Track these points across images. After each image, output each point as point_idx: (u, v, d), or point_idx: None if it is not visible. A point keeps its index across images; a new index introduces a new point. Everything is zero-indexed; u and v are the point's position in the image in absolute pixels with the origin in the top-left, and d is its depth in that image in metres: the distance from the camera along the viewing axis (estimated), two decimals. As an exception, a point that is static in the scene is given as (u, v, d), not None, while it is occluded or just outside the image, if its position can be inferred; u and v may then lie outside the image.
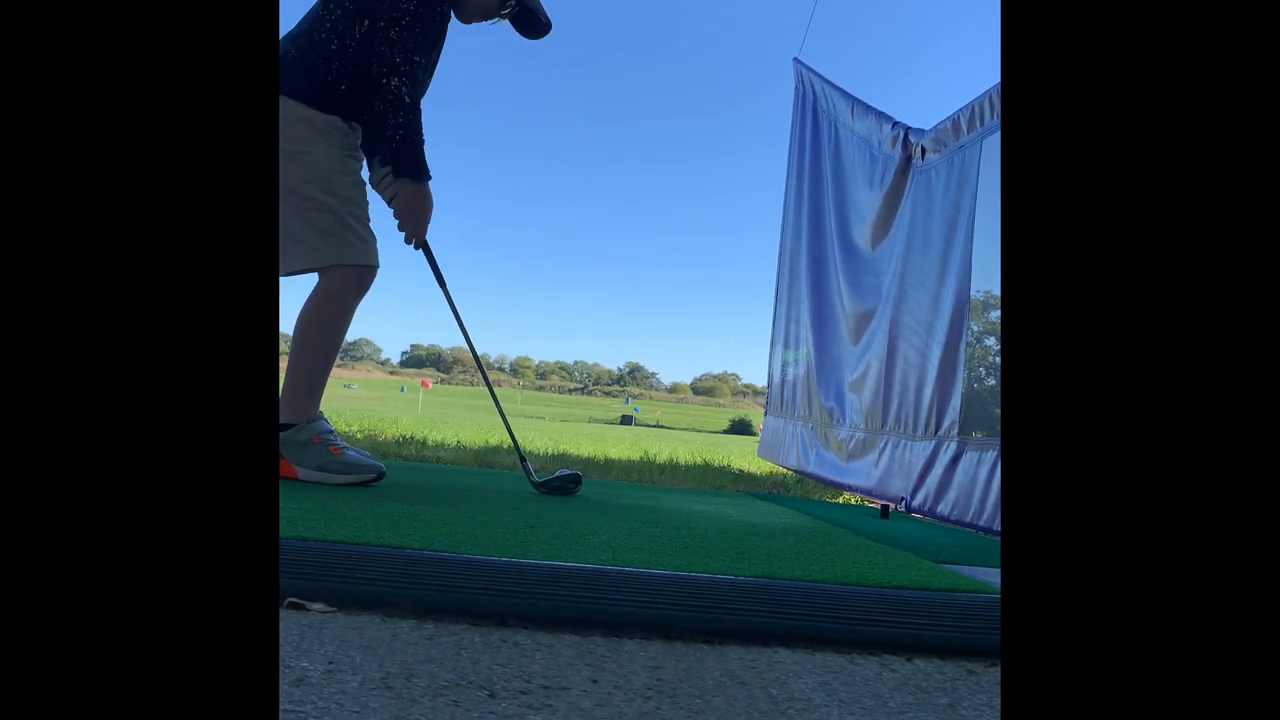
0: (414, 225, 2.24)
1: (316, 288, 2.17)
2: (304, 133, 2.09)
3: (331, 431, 2.18)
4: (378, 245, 2.22)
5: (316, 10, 2.16)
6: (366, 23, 2.09)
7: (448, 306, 2.41)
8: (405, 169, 2.16)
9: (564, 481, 2.39)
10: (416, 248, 2.28)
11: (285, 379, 2.18)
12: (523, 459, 2.51)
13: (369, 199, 2.25)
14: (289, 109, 2.08)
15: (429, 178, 2.21)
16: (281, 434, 2.12)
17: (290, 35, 2.16)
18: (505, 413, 2.59)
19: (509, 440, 5.17)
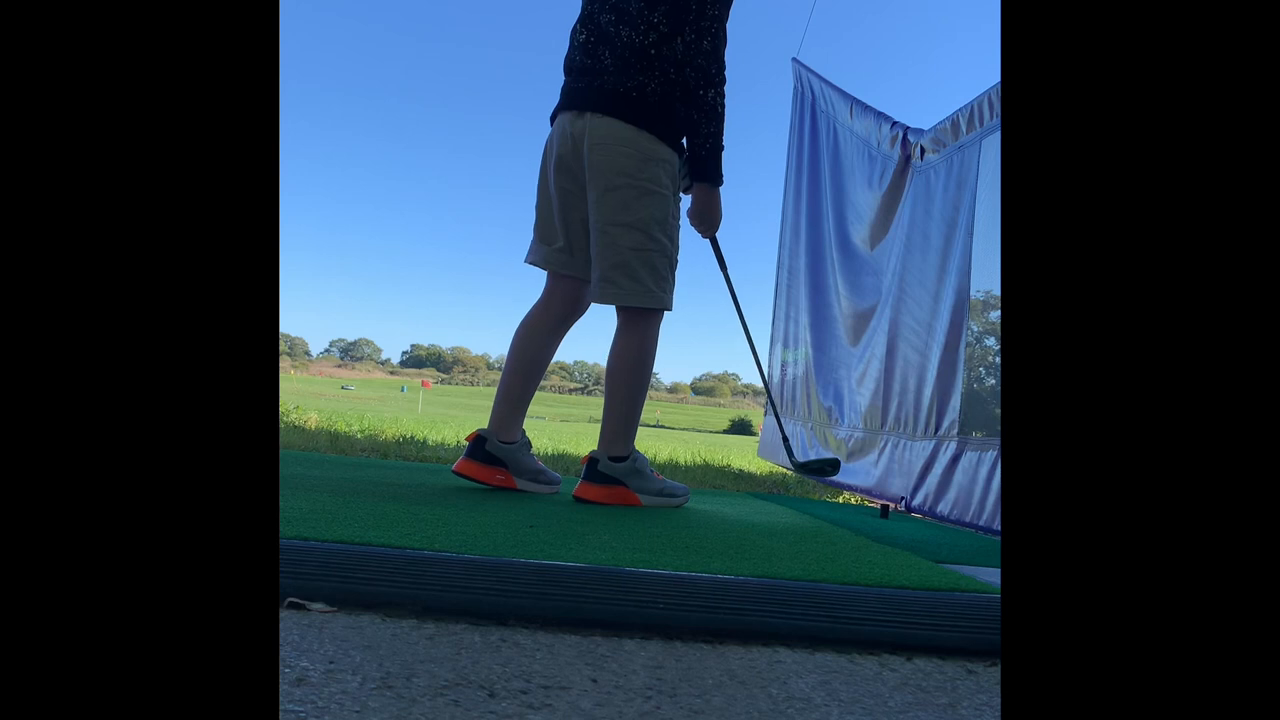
0: (707, 227, 2.36)
1: (632, 329, 2.24)
2: (663, 175, 2.18)
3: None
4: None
5: (643, 46, 2.17)
6: (679, 41, 2.16)
7: (730, 298, 2.66)
8: (707, 175, 2.24)
9: (821, 464, 2.64)
10: (709, 238, 2.43)
11: (609, 416, 2.30)
12: (785, 439, 2.81)
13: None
14: (652, 147, 2.18)
15: (721, 183, 2.30)
16: (619, 465, 2.26)
17: (640, 72, 2.18)
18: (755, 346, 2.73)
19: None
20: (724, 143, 2.22)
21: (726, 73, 2.19)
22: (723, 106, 2.18)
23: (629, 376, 2.26)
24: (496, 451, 2.30)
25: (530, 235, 2.41)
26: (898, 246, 3.31)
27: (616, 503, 2.26)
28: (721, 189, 2.33)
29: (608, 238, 2.18)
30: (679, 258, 2.29)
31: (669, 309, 2.26)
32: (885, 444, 3.23)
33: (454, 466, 2.33)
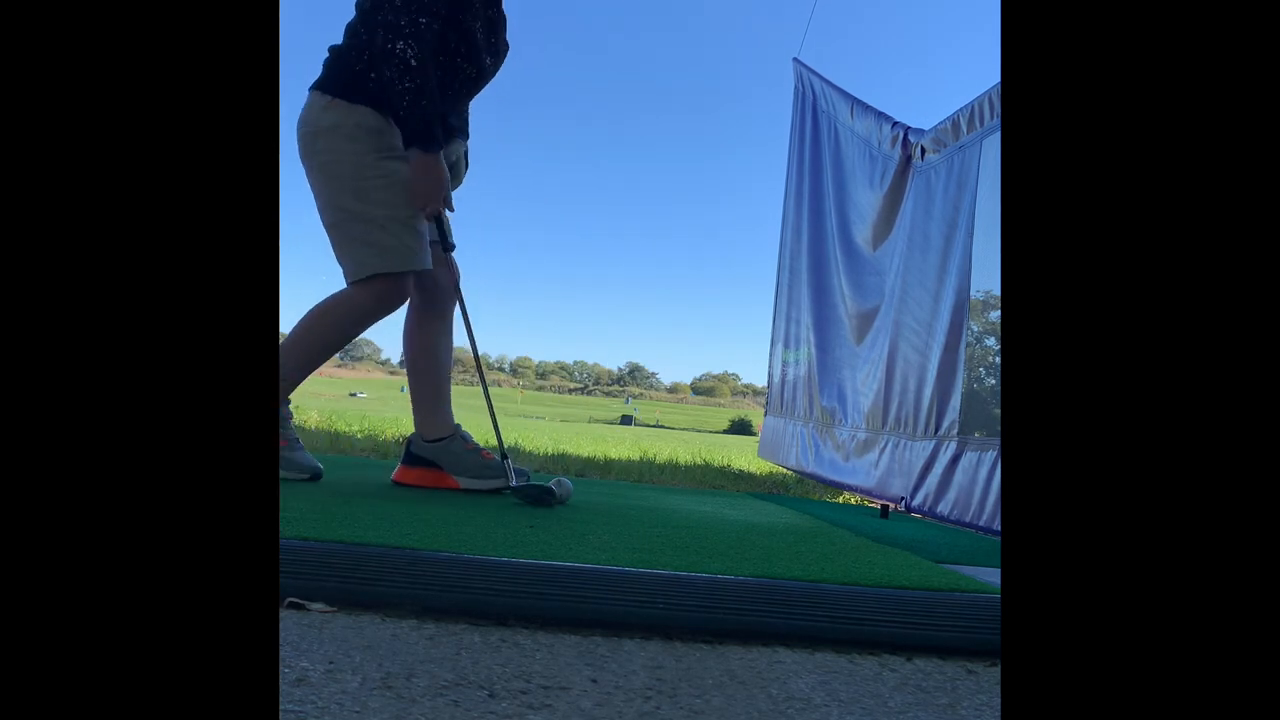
0: (424, 199, 2.10)
1: (373, 297, 2.11)
2: (336, 141, 2.05)
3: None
4: (428, 249, 2.14)
5: (357, 13, 2.13)
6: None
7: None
8: (414, 137, 2.03)
9: (539, 493, 2.11)
10: (429, 220, 2.17)
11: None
12: (504, 457, 2.28)
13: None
14: (321, 115, 2.07)
15: (440, 147, 2.07)
16: (434, 445, 2.23)
17: (347, 38, 2.13)
18: (494, 409, 2.44)
19: (507, 441, 5.15)
20: (430, 100, 2.00)
21: (426, 23, 1.99)
22: (420, 59, 1.96)
23: (315, 337, 2.16)
24: (421, 452, 2.27)
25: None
26: (899, 246, 3.31)
27: (432, 485, 2.23)
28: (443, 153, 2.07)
29: (325, 226, 2.14)
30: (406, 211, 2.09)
31: (396, 269, 2.07)
32: (885, 444, 3.23)
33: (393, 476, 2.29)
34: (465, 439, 2.29)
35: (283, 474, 2.09)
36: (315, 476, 2.16)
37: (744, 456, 6.29)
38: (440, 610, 1.02)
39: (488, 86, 2.29)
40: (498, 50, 2.25)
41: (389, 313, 2.15)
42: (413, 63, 1.96)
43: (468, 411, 2.49)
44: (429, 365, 2.31)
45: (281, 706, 0.68)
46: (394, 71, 1.96)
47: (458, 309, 2.32)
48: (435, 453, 2.26)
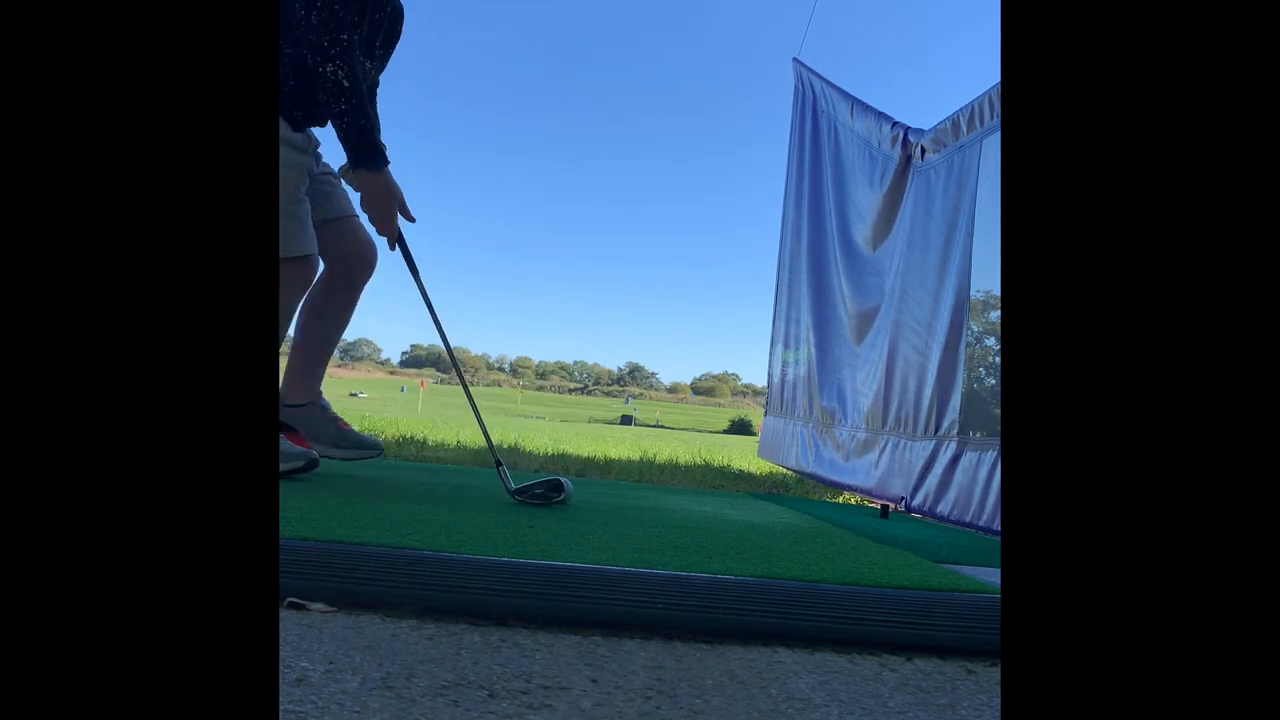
0: (379, 217, 2.11)
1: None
2: None
3: None
4: (310, 232, 2.12)
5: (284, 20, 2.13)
6: (302, 20, 1.98)
7: (421, 300, 2.30)
8: (358, 158, 2.02)
9: (545, 490, 2.10)
10: (391, 244, 2.17)
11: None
12: (498, 463, 2.22)
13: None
14: None
15: (386, 163, 2.06)
16: (294, 410, 2.28)
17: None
18: (481, 414, 2.42)
19: (506, 441, 5.14)
20: (368, 118, 1.99)
21: (347, 38, 1.96)
22: (351, 77, 1.94)
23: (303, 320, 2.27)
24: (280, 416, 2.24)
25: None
26: (899, 246, 3.31)
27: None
28: (391, 168, 2.06)
29: None
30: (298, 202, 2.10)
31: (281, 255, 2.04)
32: (885, 444, 3.23)
33: None
34: (325, 408, 2.31)
35: (281, 468, 2.09)
36: (310, 465, 2.16)
37: (744, 456, 6.29)
38: (440, 610, 1.02)
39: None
40: (373, 55, 2.23)
41: (302, 291, 2.17)
42: (345, 83, 1.94)
43: (468, 411, 2.47)
44: (317, 331, 2.30)
45: (281, 706, 0.68)
46: (327, 95, 1.96)
47: (430, 317, 2.31)
48: (292, 416, 2.25)
